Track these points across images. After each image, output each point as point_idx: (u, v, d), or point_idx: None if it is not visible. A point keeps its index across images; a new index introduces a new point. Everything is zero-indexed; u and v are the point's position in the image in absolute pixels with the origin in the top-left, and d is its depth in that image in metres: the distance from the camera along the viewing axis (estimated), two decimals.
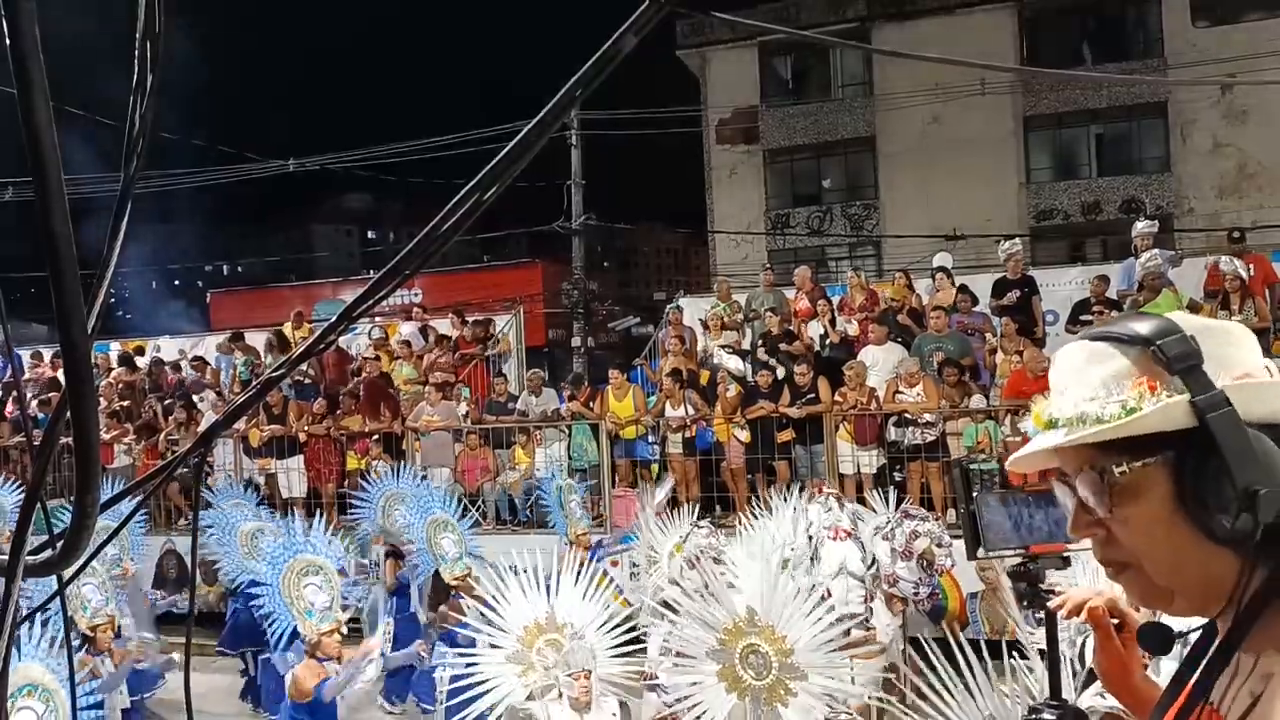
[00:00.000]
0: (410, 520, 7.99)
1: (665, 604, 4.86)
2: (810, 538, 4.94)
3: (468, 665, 4.67)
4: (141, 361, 15.55)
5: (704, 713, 4.21)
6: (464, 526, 7.98)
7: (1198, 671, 1.10)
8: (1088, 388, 1.09)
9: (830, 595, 5.25)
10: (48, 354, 15.87)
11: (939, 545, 6.71)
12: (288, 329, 14.63)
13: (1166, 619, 1.21)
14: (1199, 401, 1.02)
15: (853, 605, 5.63)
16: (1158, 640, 1.18)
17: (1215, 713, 1.07)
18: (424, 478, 10.07)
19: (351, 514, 9.70)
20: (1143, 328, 1.08)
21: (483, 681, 4.59)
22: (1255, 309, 9.99)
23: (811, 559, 5.76)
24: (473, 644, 4.83)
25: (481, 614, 4.78)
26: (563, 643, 4.59)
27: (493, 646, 4.72)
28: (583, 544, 8.50)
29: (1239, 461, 0.99)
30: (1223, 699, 1.07)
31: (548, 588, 4.83)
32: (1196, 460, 1.02)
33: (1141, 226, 11.72)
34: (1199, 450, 1.02)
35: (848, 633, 5.26)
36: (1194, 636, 1.15)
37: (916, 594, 6.66)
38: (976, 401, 10.03)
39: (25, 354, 16.00)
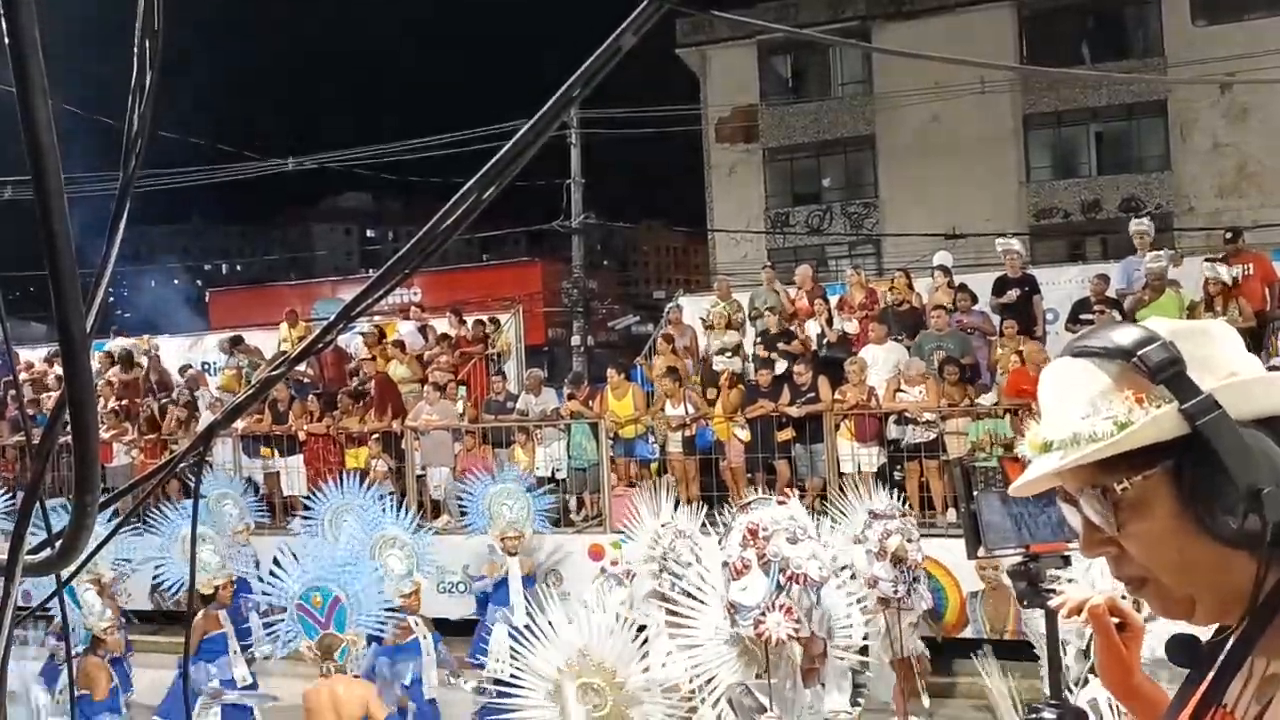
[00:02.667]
0: (355, 535, 7.69)
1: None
2: (725, 564, 4.76)
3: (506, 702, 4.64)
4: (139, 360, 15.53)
5: None
6: (426, 531, 7.79)
7: (1211, 674, 1.09)
8: (1077, 406, 1.09)
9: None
10: (25, 354, 15.87)
11: (909, 540, 6.71)
12: (284, 330, 14.65)
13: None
14: (1188, 408, 1.01)
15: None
16: (1185, 653, 1.17)
17: (1229, 715, 1.06)
18: (369, 487, 9.82)
19: (305, 522, 9.43)
20: (1122, 339, 1.08)
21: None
22: (1239, 309, 9.98)
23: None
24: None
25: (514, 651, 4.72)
26: (602, 687, 4.51)
27: (526, 686, 4.63)
28: (510, 548, 8.45)
29: (1237, 462, 0.99)
30: (1237, 702, 1.06)
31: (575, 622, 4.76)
32: (1195, 466, 1.02)
33: (1135, 225, 11.73)
34: (1197, 456, 1.01)
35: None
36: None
37: (896, 592, 6.66)
38: (983, 400, 10.03)
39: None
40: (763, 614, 4.22)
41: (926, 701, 7.09)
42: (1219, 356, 1.06)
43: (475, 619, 8.80)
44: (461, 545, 10.35)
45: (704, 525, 6.42)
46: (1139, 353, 1.05)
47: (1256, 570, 1.01)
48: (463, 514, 9.54)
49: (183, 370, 14.92)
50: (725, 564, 4.42)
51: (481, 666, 7.55)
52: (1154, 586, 1.09)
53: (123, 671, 7.18)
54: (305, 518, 9.38)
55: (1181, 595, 1.08)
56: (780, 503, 4.67)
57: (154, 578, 8.72)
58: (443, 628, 7.87)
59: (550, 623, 4.52)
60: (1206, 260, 10.80)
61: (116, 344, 15.37)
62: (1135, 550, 1.08)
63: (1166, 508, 1.05)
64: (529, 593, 7.35)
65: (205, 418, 12.35)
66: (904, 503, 7.45)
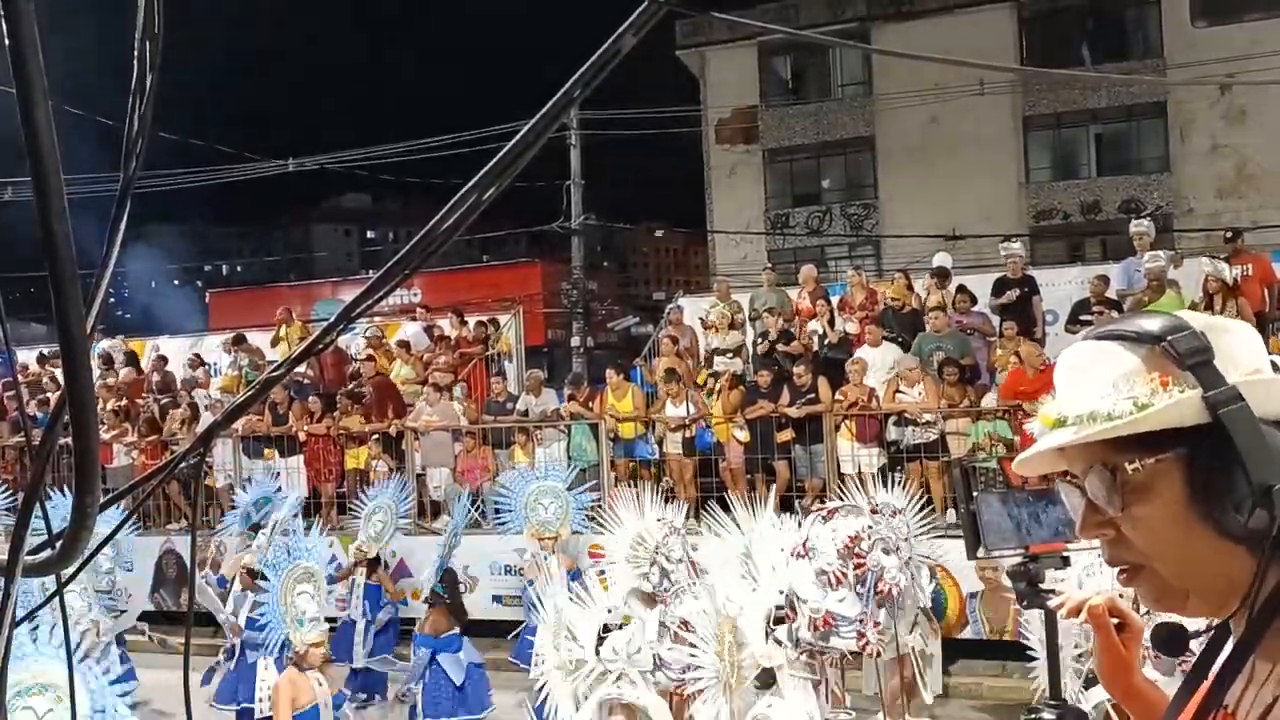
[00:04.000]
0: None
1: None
2: (821, 573, 4.73)
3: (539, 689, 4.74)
4: (120, 360, 15.48)
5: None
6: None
7: (1211, 674, 1.08)
8: (1098, 385, 1.08)
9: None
10: (24, 355, 15.84)
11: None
12: (281, 329, 14.65)
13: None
14: (1212, 396, 1.01)
15: (802, 631, 5.35)
16: (1171, 641, 1.16)
17: (1231, 717, 1.06)
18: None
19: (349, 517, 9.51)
20: (1152, 325, 1.07)
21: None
22: (1238, 309, 9.97)
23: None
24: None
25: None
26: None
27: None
28: (548, 547, 8.41)
29: (1254, 457, 0.98)
30: (1238, 703, 1.05)
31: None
32: (1210, 456, 1.01)
33: (1135, 226, 11.73)
34: (1212, 446, 1.01)
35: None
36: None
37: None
38: (985, 401, 10.03)
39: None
40: (864, 627, 4.18)
41: (929, 698, 7.04)
42: (1243, 353, 1.06)
43: (481, 619, 8.82)
44: (463, 546, 10.36)
45: (685, 533, 6.43)
46: (1169, 338, 1.05)
47: (1256, 568, 1.00)
48: (497, 512, 9.29)
49: (192, 365, 14.91)
50: (821, 573, 4.36)
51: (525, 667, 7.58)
52: (1149, 575, 1.09)
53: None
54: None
55: (1176, 586, 1.07)
56: (874, 511, 4.63)
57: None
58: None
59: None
60: (1206, 258, 10.80)
61: (103, 345, 15.32)
62: (1135, 535, 1.08)
63: (1174, 494, 1.04)
64: (574, 588, 7.33)
65: (205, 419, 12.35)
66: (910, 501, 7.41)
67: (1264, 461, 0.98)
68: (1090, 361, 1.11)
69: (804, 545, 4.63)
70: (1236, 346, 1.06)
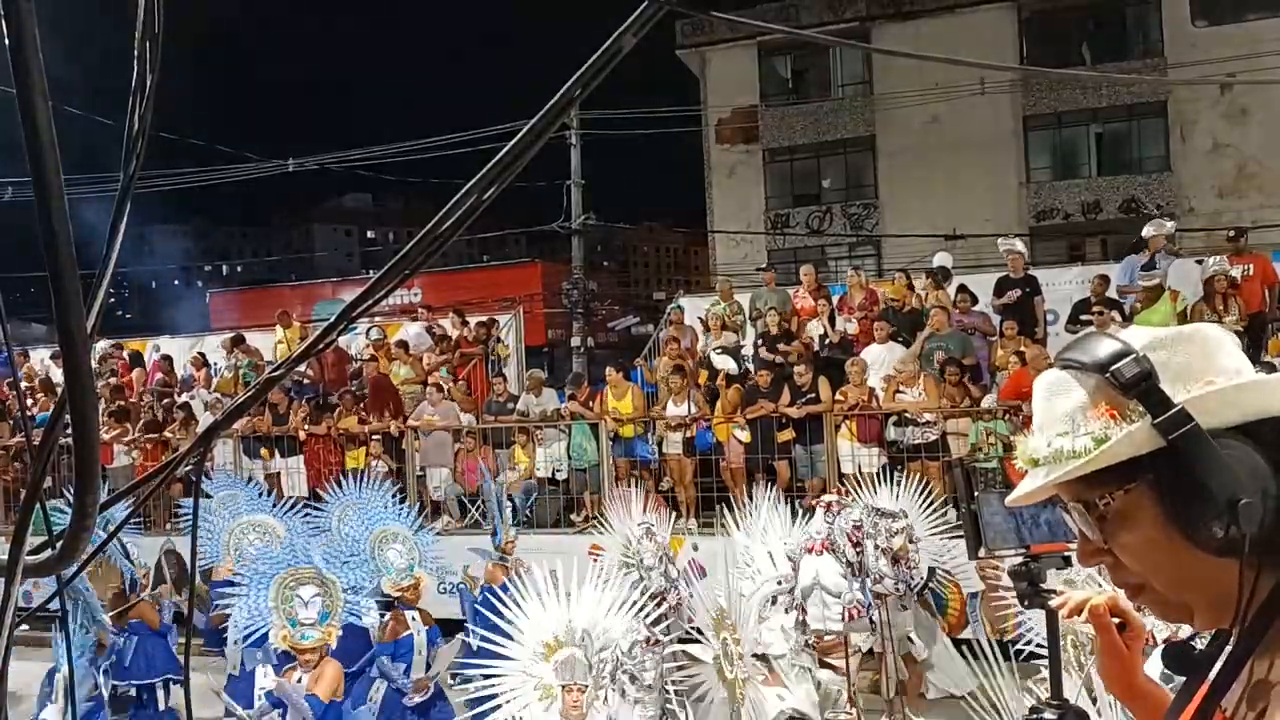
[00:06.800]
0: (355, 531, 7.27)
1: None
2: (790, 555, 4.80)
3: (487, 677, 4.60)
4: (118, 361, 15.46)
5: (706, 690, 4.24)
6: (427, 531, 7.55)
7: (1209, 678, 1.09)
8: (1057, 422, 1.10)
9: (805, 613, 5.03)
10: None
11: (911, 541, 6.78)
12: (280, 331, 14.65)
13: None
14: (1160, 423, 1.02)
15: (829, 623, 5.46)
16: (1182, 660, 1.17)
17: None
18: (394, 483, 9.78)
19: (313, 517, 9.34)
20: (1100, 352, 1.08)
21: (500, 694, 4.55)
22: (1238, 309, 9.98)
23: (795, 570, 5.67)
24: (492, 655, 4.71)
25: (501, 625, 4.67)
26: (579, 656, 4.46)
27: (508, 659, 4.61)
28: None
29: (1213, 475, 1.00)
30: (1236, 708, 1.06)
31: (568, 596, 4.70)
32: (1175, 479, 1.03)
33: (1150, 229, 11.64)
34: (1175, 468, 1.02)
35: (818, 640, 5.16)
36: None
37: (898, 589, 6.74)
38: (984, 401, 10.02)
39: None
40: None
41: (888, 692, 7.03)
42: (1199, 364, 1.06)
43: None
44: (463, 546, 10.35)
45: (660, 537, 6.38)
46: (1112, 367, 1.06)
47: (1242, 579, 1.01)
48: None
49: (196, 365, 14.90)
50: (847, 564, 4.41)
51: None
52: (1150, 593, 1.10)
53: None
54: (313, 511, 9.28)
55: (1177, 601, 1.09)
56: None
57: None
58: (446, 629, 7.78)
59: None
60: (1214, 256, 10.80)
61: (98, 347, 15.29)
62: (1127, 560, 1.10)
63: (1151, 519, 1.06)
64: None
65: (204, 419, 12.35)
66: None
67: (1224, 477, 0.99)
68: (1050, 395, 1.13)
69: (827, 540, 4.69)
70: (1189, 359, 1.07)
